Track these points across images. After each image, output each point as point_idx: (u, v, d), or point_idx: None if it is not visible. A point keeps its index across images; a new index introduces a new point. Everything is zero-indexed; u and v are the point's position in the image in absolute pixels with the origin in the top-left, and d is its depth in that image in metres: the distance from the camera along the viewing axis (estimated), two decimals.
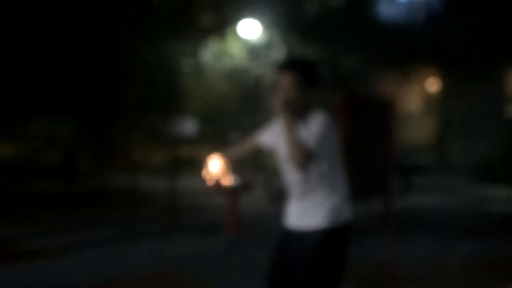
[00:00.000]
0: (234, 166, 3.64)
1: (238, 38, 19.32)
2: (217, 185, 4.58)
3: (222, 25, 19.11)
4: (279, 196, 8.98)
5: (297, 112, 2.90)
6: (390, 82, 20.66)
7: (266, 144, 3.29)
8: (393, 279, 5.59)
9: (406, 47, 20.11)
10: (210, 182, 3.31)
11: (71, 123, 19.81)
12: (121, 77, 20.75)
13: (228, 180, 3.63)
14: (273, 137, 3.20)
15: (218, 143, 17.74)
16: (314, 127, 2.87)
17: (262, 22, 18.71)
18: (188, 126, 19.08)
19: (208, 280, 5.63)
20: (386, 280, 5.59)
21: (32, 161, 18.06)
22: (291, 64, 2.98)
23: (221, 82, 20.55)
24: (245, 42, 19.48)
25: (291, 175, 3.16)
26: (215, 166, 3.25)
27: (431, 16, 21.01)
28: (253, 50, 19.35)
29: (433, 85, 23.55)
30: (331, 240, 3.02)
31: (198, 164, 11.31)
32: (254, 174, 12.17)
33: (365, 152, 5.60)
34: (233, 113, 21.37)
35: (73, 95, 19.88)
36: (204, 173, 3.32)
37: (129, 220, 8.29)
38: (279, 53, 19.12)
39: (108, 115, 20.03)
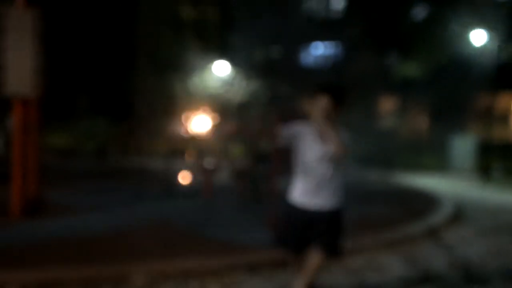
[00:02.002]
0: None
1: (213, 74, 20.26)
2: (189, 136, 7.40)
3: (203, 65, 19.93)
4: (236, 174, 9.18)
5: (329, 122, 3.32)
6: (310, 104, 23.01)
7: (287, 138, 3.55)
8: None
9: (318, 83, 21.69)
10: (184, 132, 4.62)
11: (103, 123, 20.17)
12: (138, 94, 22.10)
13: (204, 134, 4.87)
14: (297, 135, 3.51)
15: (199, 140, 20.50)
16: (342, 135, 3.36)
17: (231, 63, 19.78)
18: (182, 128, 20.64)
19: (192, 226, 6.10)
20: None
21: (77, 148, 18.53)
22: (328, 89, 3.41)
23: (202, 100, 19.91)
24: (218, 77, 20.37)
25: (318, 166, 3.45)
26: (200, 123, 4.29)
27: (333, 63, 21.60)
28: (225, 82, 20.22)
29: None
30: (340, 215, 3.54)
31: (187, 153, 14.85)
32: (221, 160, 12.59)
33: None
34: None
35: (105, 104, 21.40)
36: (183, 123, 4.87)
37: (139, 188, 8.82)
38: (241, 84, 20.08)
39: (128, 118, 21.12)
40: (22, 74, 5.98)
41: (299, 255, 3.60)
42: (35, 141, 6.38)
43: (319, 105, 3.35)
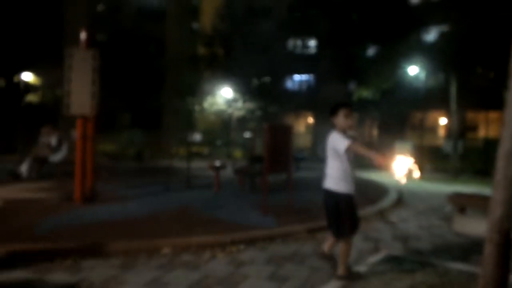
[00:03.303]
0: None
1: (221, 96, 20.33)
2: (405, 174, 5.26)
3: (213, 89, 20.27)
4: (237, 171, 8.85)
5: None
6: (291, 119, 22.71)
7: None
8: (292, 211, 5.91)
9: (297, 103, 21.36)
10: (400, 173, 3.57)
11: (140, 133, 20.06)
12: (165, 112, 22.88)
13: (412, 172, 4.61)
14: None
15: (211, 146, 19.76)
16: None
17: (232, 89, 19.85)
18: (197, 136, 18.61)
19: (205, 211, 5.99)
20: (289, 211, 5.88)
21: (121, 153, 18.34)
22: (349, 104, 3.52)
23: (212, 116, 22.00)
24: (224, 98, 20.47)
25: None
26: (402, 163, 3.44)
27: (309, 88, 22.06)
28: (228, 102, 20.44)
29: (310, 119, 23.64)
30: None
31: (201, 156, 15.23)
32: (227, 160, 14.08)
33: (279, 151, 5.93)
34: (218, 131, 22.52)
35: (141, 119, 21.91)
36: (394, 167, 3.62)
37: (166, 182, 8.51)
38: (241, 104, 20.44)
39: (158, 129, 21.65)
40: (83, 99, 6.03)
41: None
42: (91, 147, 6.41)
43: (347, 115, 3.42)
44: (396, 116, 19.78)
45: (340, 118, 3.42)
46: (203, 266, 3.85)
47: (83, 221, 5.11)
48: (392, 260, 4.16)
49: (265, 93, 20.52)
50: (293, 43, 23.54)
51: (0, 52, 17.83)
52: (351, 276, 3.55)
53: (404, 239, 5.20)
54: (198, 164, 12.87)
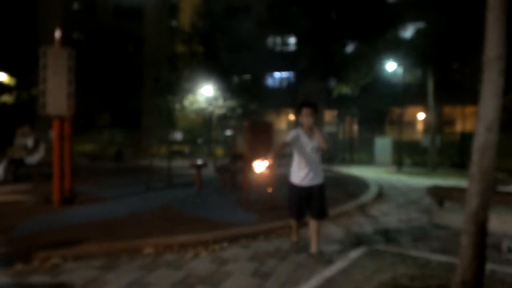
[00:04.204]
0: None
1: (201, 94, 20.08)
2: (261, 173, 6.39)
3: (194, 87, 19.96)
4: (219, 169, 8.86)
5: (314, 125, 3.72)
6: (272, 116, 22.62)
7: (290, 141, 3.77)
8: (274, 208, 5.86)
9: (278, 100, 21.45)
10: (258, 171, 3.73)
11: (120, 133, 20.02)
12: (145, 111, 22.53)
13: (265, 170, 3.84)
14: (295, 138, 3.79)
15: (192, 144, 19.75)
16: (320, 133, 3.69)
17: (213, 87, 19.56)
18: (178, 135, 18.41)
19: (187, 210, 5.93)
20: (271, 208, 5.88)
21: (101, 152, 18.17)
22: (311, 104, 3.77)
23: (193, 115, 21.56)
24: (205, 96, 20.21)
25: (308, 155, 3.75)
26: (261, 165, 3.60)
27: (289, 85, 22.13)
28: (208, 100, 20.27)
29: (291, 116, 23.71)
30: (324, 187, 3.90)
31: (183, 154, 15.04)
32: (208, 158, 14.07)
33: (260, 148, 5.62)
34: (199, 129, 22.41)
35: (121, 119, 21.51)
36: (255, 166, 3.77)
37: (148, 182, 8.44)
38: (221, 102, 20.27)
39: (138, 128, 21.29)
40: (59, 99, 5.89)
41: (300, 221, 4.07)
42: (69, 148, 6.27)
43: (308, 114, 3.72)
44: (375, 111, 20.11)
45: (302, 117, 3.77)
46: (186, 265, 3.82)
47: (62, 223, 4.99)
48: (374, 254, 4.22)
49: (246, 90, 20.50)
50: (273, 41, 23.60)
51: None
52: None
53: (385, 232, 5.30)
54: (179, 163, 12.86)
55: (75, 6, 24.64)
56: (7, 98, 19.39)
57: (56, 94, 5.92)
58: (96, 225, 4.97)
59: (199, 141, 19.53)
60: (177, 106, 20.66)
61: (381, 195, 8.32)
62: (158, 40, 25.82)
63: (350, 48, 19.29)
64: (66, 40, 6.27)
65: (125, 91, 21.24)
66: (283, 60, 21.77)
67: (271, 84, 23.23)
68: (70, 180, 6.34)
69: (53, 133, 6.13)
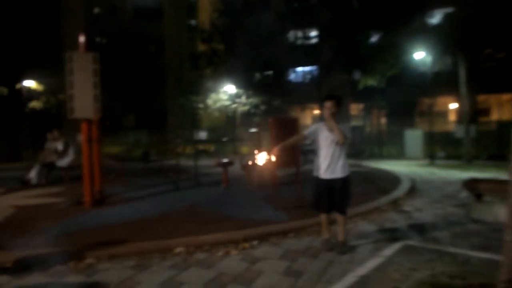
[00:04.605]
0: (286, 149, 4.75)
1: (224, 92, 20.26)
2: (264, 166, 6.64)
3: (216, 86, 20.22)
4: (245, 167, 8.94)
5: (335, 118, 3.74)
6: (296, 111, 22.52)
7: (310, 135, 3.95)
8: (303, 205, 5.62)
9: (301, 95, 20.84)
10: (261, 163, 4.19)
11: (145, 134, 20.23)
12: (169, 111, 22.71)
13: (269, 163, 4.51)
14: (315, 131, 3.93)
15: (217, 143, 19.45)
16: (343, 127, 3.77)
17: (235, 84, 19.77)
18: (202, 134, 19.68)
19: (215, 208, 5.97)
20: (300, 205, 5.76)
21: (128, 153, 18.14)
22: (332, 97, 3.82)
23: (216, 113, 21.64)
24: (227, 94, 20.35)
25: (329, 149, 3.83)
26: (262, 157, 4.12)
27: (313, 80, 21.62)
28: (231, 97, 20.40)
29: (316, 111, 22.72)
30: (347, 181, 3.89)
31: (208, 153, 15.13)
32: (234, 156, 13.69)
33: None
34: (223, 127, 22.56)
35: (146, 120, 21.96)
36: (256, 158, 4.64)
37: (175, 181, 8.59)
38: (244, 99, 20.29)
39: (164, 129, 21.28)
40: (86, 102, 6.07)
41: (327, 214, 4.07)
42: (98, 150, 6.43)
43: (327, 108, 3.75)
44: (404, 103, 19.61)
45: (324, 110, 3.84)
46: (217, 264, 3.85)
47: (94, 224, 5.14)
48: (409, 250, 4.12)
49: (268, 86, 20.36)
50: (294, 35, 23.24)
51: (1, 61, 17.93)
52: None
53: (420, 228, 5.15)
54: (205, 162, 12.91)
55: (96, 10, 25.26)
56: (36, 104, 20.18)
57: (83, 97, 6.11)
58: (127, 225, 5.09)
59: (224, 139, 19.50)
60: (200, 105, 20.75)
61: (413, 190, 8.11)
62: (179, 39, 26.13)
63: (375, 38, 18.86)
64: (90, 45, 6.44)
65: (149, 92, 21.73)
66: (305, 54, 21.50)
67: (294, 79, 22.97)
68: (100, 181, 6.52)
69: (82, 136, 6.31)
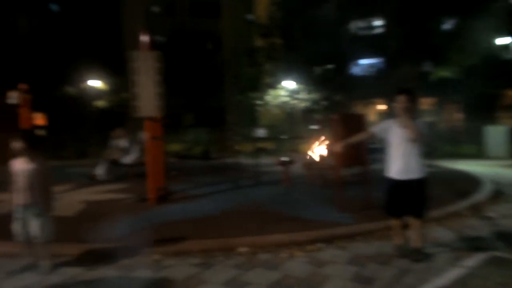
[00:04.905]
0: (352, 147, 4.54)
1: (283, 88, 20.39)
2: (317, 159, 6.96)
3: (275, 81, 20.42)
4: (306, 166, 8.89)
5: (409, 114, 3.63)
6: (360, 107, 21.98)
7: (379, 132, 3.88)
8: (370, 207, 5.43)
9: (366, 90, 19.85)
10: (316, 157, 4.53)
11: (204, 132, 20.65)
12: (228, 109, 23.35)
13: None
14: (385, 128, 3.84)
15: (276, 141, 19.57)
16: (420, 124, 3.68)
17: (295, 79, 19.91)
18: (261, 131, 20.22)
19: (278, 208, 6.00)
20: (367, 207, 5.57)
21: (188, 151, 18.54)
22: (406, 91, 3.71)
23: (276, 110, 21.87)
24: (287, 89, 20.47)
25: (402, 148, 3.70)
26: (324, 156, 4.37)
27: (379, 71, 20.81)
28: (291, 93, 20.42)
29: (381, 106, 22.30)
30: (424, 183, 3.72)
31: (267, 151, 15.14)
32: (294, 154, 13.04)
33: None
34: (282, 125, 22.54)
35: (205, 118, 22.63)
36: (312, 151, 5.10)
37: (236, 180, 8.78)
38: (304, 95, 20.17)
39: (223, 127, 21.43)
40: (149, 101, 6.38)
41: (400, 219, 3.90)
42: (161, 148, 6.74)
43: (401, 102, 3.64)
44: (483, 96, 18.14)
45: (396, 105, 3.74)
46: (281, 265, 3.88)
47: (159, 220, 5.39)
48: (496, 262, 3.84)
49: (329, 81, 19.87)
50: (357, 25, 22.50)
51: (67, 62, 19.54)
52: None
53: (507, 237, 4.74)
54: (264, 160, 12.94)
55: (155, 9, 26.49)
56: (101, 103, 21.73)
57: (147, 96, 6.42)
58: (190, 222, 5.29)
59: (283, 137, 19.56)
60: (259, 102, 20.90)
61: (498, 194, 7.48)
62: (236, 35, 26.50)
63: (449, 24, 17.68)
64: (151, 44, 6.73)
65: (207, 90, 22.26)
66: (369, 46, 20.76)
67: (357, 73, 22.36)
68: (163, 179, 6.82)
69: (145, 134, 6.67)
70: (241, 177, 9.33)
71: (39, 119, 9.59)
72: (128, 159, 9.66)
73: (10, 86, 10.02)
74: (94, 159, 12.33)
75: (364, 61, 22.82)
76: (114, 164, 9.79)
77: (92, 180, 9.50)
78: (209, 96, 22.56)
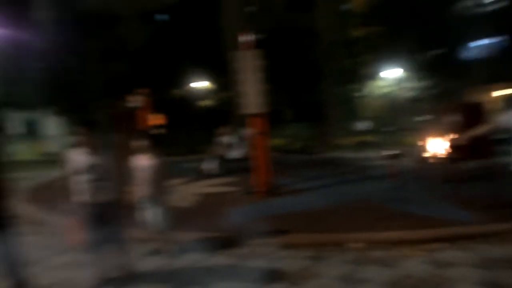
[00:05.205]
0: (472, 142, 4.12)
1: (385, 77, 19.39)
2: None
3: (376, 71, 19.41)
4: (421, 159, 8.36)
5: None
6: (476, 94, 18.55)
7: (502, 125, 3.59)
8: (496, 205, 5.04)
9: (485, 75, 18.30)
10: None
11: (304, 127, 20.91)
12: (327, 102, 22.63)
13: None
14: (509, 120, 3.51)
15: (379, 133, 18.68)
16: None
17: (398, 68, 18.89)
18: (363, 124, 19.86)
19: (388, 203, 5.73)
20: (492, 205, 5.09)
21: (289, 146, 18.56)
22: None
23: (378, 101, 20.81)
24: (390, 79, 19.39)
25: None
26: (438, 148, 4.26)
27: (503, 51, 18.49)
28: (394, 83, 19.40)
29: (504, 92, 20.43)
30: None
31: (370, 144, 14.46)
32: (400, 147, 13.65)
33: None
34: (386, 116, 21.20)
35: (305, 113, 22.53)
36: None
37: (339, 174, 8.67)
38: (409, 84, 19.05)
39: (323, 121, 21.52)
40: (254, 98, 6.62)
41: None
42: (266, 143, 6.95)
43: None
44: None
45: None
46: (398, 264, 3.71)
47: (268, 213, 5.56)
48: None
49: (439, 67, 18.25)
50: (464, 4, 20.37)
51: (175, 66, 21.21)
52: None
53: None
54: (367, 154, 12.50)
55: (253, 8, 27.25)
56: (206, 103, 23.20)
57: (251, 94, 6.67)
58: (298, 216, 5.36)
59: (387, 129, 18.64)
60: (360, 94, 20.19)
61: None
62: (332, 28, 25.81)
63: None
64: (253, 43, 6.93)
65: (305, 85, 22.14)
66: (483, 25, 18.49)
67: (471, 56, 20.13)
68: (269, 173, 6.99)
69: (249, 130, 6.92)
70: (344, 171, 9.21)
71: (159, 119, 10.56)
72: (234, 154, 10.14)
73: (127, 92, 11.36)
74: (201, 155, 13.19)
75: (479, 43, 20.51)
76: (221, 159, 10.35)
77: (201, 175, 10.13)
78: (307, 91, 22.35)
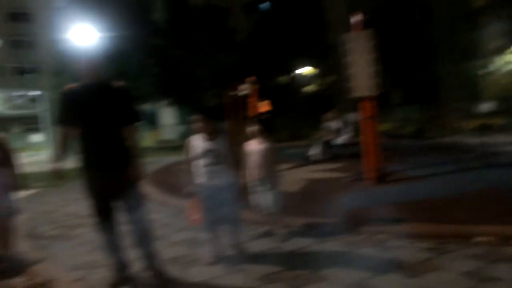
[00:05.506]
0: None
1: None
2: None
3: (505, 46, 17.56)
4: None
5: None
6: None
7: None
8: None
9: None
10: None
11: (414, 109, 19.74)
12: (442, 82, 20.98)
13: None
14: None
15: (507, 115, 16.30)
16: None
17: None
18: (486, 106, 17.98)
19: None
20: None
21: (399, 131, 17.78)
22: None
23: (505, 79, 18.73)
24: None
25: None
26: None
27: None
28: None
29: None
30: None
31: (496, 128, 12.89)
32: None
33: None
34: None
35: (416, 95, 21.23)
36: None
37: (458, 161, 8.07)
38: None
39: (437, 103, 19.93)
40: (365, 80, 6.37)
41: None
42: (376, 127, 6.66)
43: None
44: None
45: None
46: None
47: (380, 200, 5.33)
48: None
49: None
50: None
51: (280, 54, 21.51)
52: None
53: None
54: (493, 138, 11.15)
55: None
56: (310, 88, 23.13)
57: (362, 76, 6.46)
58: (413, 205, 5.02)
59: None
60: (482, 71, 18.26)
61: None
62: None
63: None
64: (363, 23, 6.62)
65: (416, 64, 20.48)
66: None
67: None
68: (379, 159, 6.70)
69: (356, 115, 6.67)
70: (465, 157, 8.48)
71: (265, 106, 10.88)
72: (341, 139, 9.94)
73: (235, 80, 11.87)
74: (306, 140, 13.24)
75: None
76: (328, 145, 10.23)
77: (308, 160, 10.15)
78: (419, 70, 20.66)
